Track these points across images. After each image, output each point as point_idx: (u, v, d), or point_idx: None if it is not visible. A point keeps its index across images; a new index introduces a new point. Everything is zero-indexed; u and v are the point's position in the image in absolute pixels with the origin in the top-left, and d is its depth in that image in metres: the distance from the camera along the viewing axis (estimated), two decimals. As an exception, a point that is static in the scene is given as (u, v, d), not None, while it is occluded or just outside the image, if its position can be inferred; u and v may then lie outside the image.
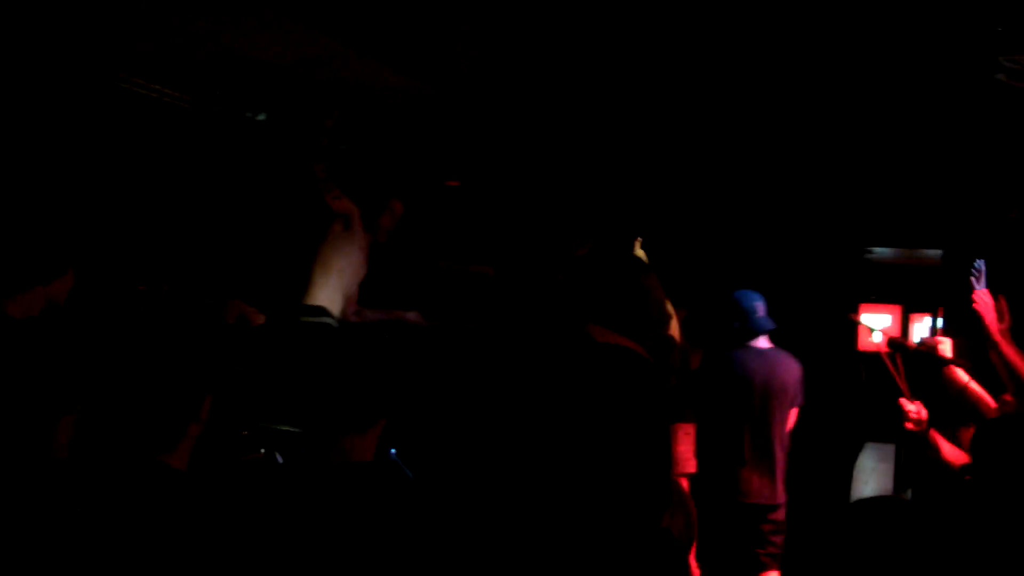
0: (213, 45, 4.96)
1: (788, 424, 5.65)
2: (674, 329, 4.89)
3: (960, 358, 4.53)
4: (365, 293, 6.05)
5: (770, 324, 5.67)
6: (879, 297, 7.47)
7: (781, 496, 5.58)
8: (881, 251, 7.89)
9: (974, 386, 4.40)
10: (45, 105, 4.88)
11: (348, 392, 2.65)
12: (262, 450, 5.08)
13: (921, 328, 7.07)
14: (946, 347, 4.52)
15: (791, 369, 5.68)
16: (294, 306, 5.64)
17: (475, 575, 2.87)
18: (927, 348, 4.62)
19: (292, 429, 5.09)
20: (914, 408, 4.28)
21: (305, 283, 5.76)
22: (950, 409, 4.56)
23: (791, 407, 5.66)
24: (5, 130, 4.71)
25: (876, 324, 6.47)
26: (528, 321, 5.23)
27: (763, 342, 5.68)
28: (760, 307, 5.68)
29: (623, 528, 3.13)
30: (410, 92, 5.81)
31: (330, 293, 5.78)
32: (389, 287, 6.25)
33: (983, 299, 4.11)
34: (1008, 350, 4.00)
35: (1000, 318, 4.08)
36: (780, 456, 5.58)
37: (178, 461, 2.75)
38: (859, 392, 7.03)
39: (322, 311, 5.68)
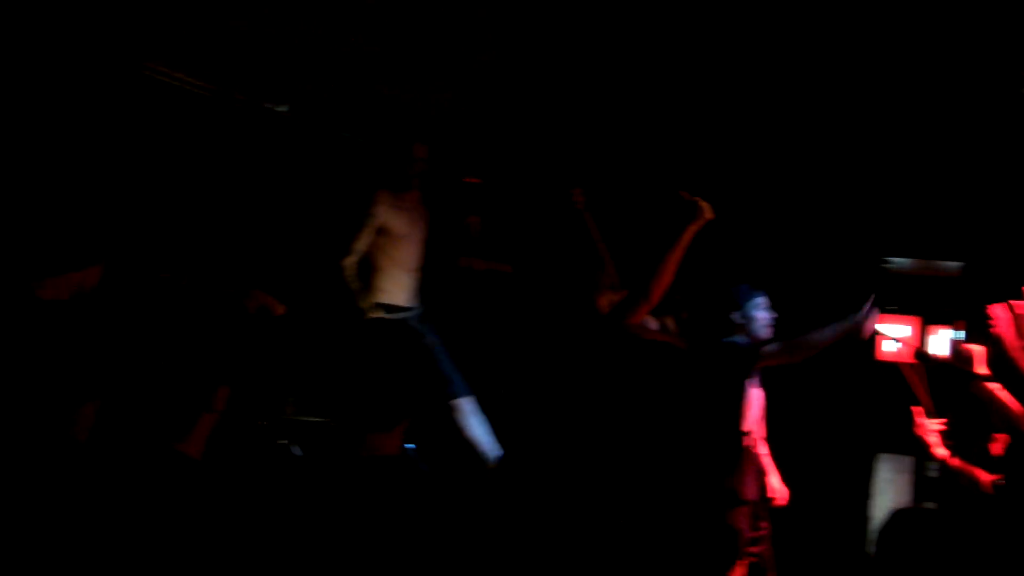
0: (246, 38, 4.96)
1: None
2: None
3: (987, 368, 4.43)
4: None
5: None
6: (898, 308, 7.41)
7: None
8: (900, 261, 7.84)
9: (1004, 395, 4.31)
10: (75, 96, 4.86)
11: (383, 387, 2.61)
12: (282, 441, 5.06)
13: (939, 340, 7.01)
14: (980, 358, 4.40)
15: None
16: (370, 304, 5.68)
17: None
18: (958, 360, 4.51)
19: (318, 420, 5.05)
20: (933, 438, 4.27)
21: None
22: (978, 420, 4.50)
23: None
24: (39, 121, 4.70)
25: (895, 335, 6.42)
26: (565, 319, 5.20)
27: None
28: None
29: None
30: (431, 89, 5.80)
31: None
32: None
33: (1001, 315, 3.96)
34: None
35: (1019, 334, 3.93)
36: None
37: (192, 449, 2.71)
38: (875, 402, 7.00)
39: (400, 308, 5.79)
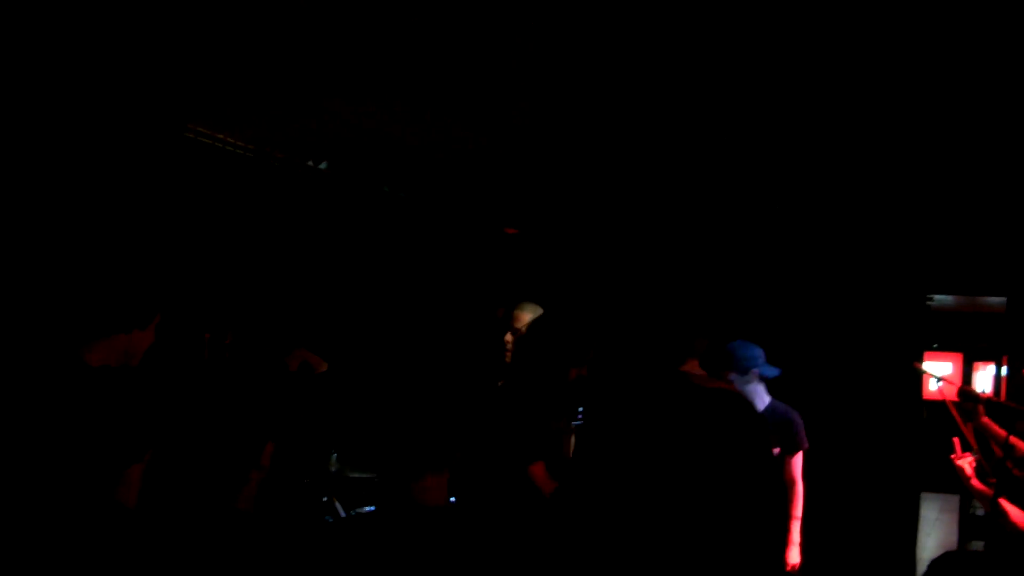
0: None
1: None
2: None
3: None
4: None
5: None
6: (941, 345, 7.37)
7: None
8: (942, 298, 7.80)
9: None
10: (118, 158, 4.95)
11: (427, 435, 2.65)
12: (324, 498, 5.09)
13: (984, 376, 6.98)
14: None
15: None
16: None
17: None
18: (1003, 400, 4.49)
19: (362, 476, 5.07)
20: (966, 464, 4.23)
21: None
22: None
23: None
24: (82, 184, 4.79)
25: (936, 372, 6.40)
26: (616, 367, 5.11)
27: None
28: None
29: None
30: (470, 143, 5.83)
31: None
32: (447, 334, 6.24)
33: None
34: None
35: None
36: None
37: (243, 504, 2.77)
38: (920, 441, 6.96)
39: None
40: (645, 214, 7.20)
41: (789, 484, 5.22)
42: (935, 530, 7.17)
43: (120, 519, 3.24)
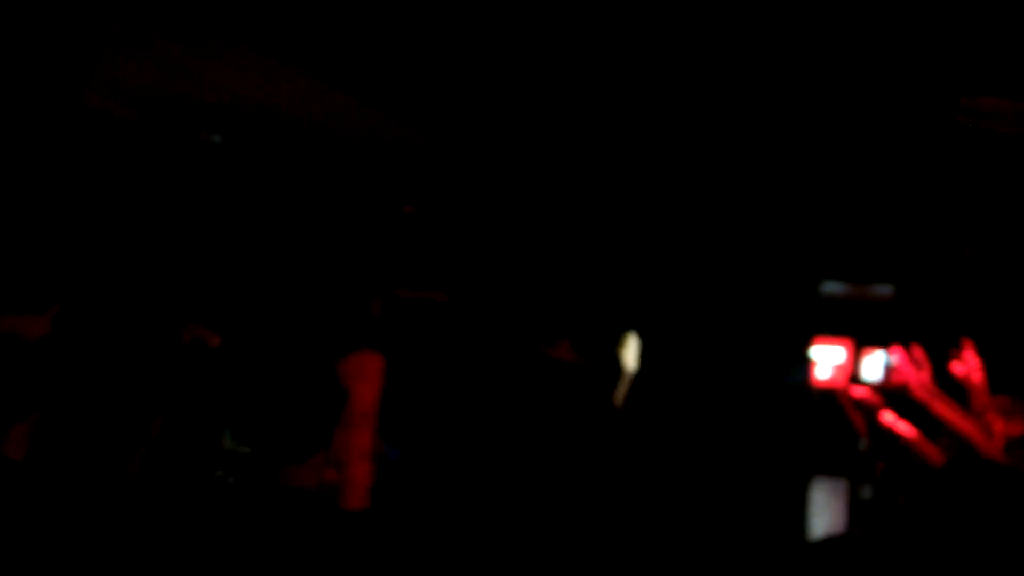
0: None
1: None
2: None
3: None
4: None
5: None
6: (830, 332, 7.50)
7: None
8: (832, 286, 7.94)
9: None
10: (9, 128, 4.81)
11: (291, 419, 2.63)
12: (218, 472, 5.02)
13: (872, 363, 7.10)
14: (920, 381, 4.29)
15: None
16: None
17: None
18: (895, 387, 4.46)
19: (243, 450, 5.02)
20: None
21: None
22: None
23: None
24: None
25: (827, 358, 6.50)
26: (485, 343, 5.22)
27: None
28: None
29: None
30: (370, 120, 5.79)
31: None
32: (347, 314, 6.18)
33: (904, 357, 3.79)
34: (940, 407, 3.60)
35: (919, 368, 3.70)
36: None
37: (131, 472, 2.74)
38: (809, 426, 7.08)
39: None
40: (536, 197, 7.22)
41: None
42: (824, 515, 7.31)
43: (7, 469, 3.21)
